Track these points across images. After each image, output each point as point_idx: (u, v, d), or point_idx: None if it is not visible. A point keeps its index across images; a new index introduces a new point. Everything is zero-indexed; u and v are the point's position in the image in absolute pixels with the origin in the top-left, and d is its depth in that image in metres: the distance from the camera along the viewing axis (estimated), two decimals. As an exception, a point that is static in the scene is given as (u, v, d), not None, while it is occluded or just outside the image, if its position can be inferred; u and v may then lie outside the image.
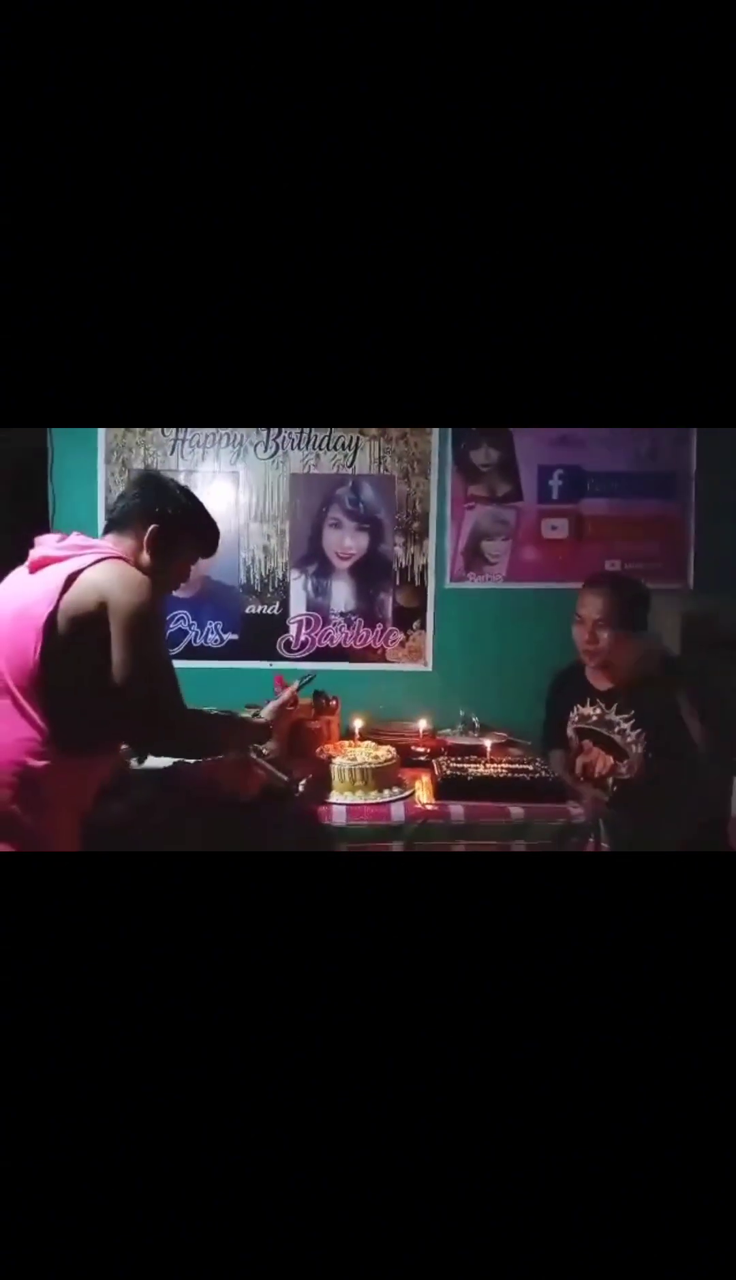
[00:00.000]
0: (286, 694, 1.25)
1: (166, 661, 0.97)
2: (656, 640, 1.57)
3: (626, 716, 1.49)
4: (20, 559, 1.01)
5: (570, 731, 1.59)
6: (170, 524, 1.02)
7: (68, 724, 0.90)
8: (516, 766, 1.39)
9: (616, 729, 1.50)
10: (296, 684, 1.31)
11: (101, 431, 1.92)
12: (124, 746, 1.51)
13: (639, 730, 1.47)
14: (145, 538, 1.00)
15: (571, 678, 1.61)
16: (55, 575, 0.91)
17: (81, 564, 0.92)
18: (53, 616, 0.88)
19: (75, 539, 1.00)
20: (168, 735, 0.97)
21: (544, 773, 1.35)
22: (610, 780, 1.47)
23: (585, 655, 1.53)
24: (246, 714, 1.70)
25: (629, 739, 1.48)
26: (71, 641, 0.88)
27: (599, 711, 1.54)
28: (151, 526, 1.00)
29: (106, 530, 1.04)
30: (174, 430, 1.93)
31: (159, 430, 1.93)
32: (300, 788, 1.27)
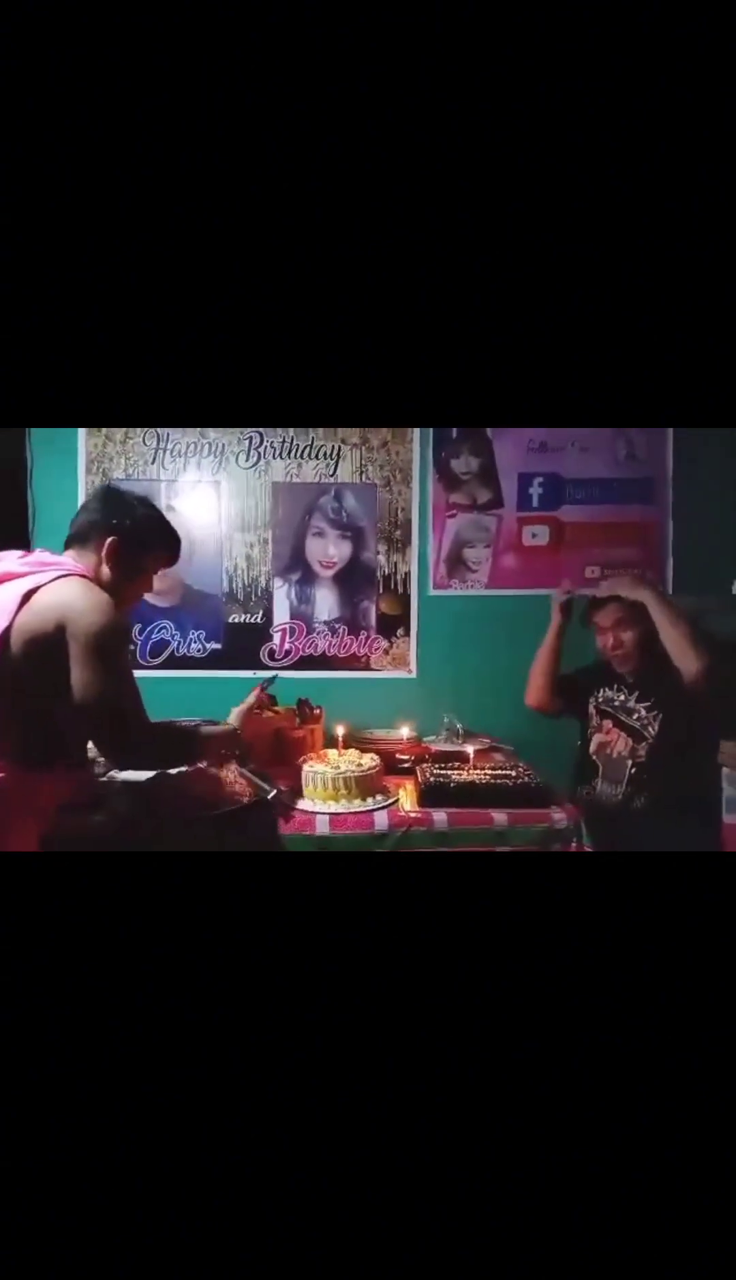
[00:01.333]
0: (251, 697, 1.24)
1: (127, 676, 0.97)
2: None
3: (647, 705, 1.50)
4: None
5: (592, 708, 1.59)
6: (129, 536, 1.02)
7: (23, 739, 0.89)
8: (499, 772, 1.39)
9: (634, 716, 1.51)
10: (259, 686, 1.29)
11: (82, 442, 1.92)
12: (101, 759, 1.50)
13: (655, 713, 1.48)
14: (103, 551, 1.00)
15: (599, 668, 1.61)
16: (12, 591, 0.91)
17: (40, 581, 0.92)
18: (6, 633, 0.87)
19: (38, 555, 1.00)
20: (133, 750, 0.96)
21: (527, 778, 1.36)
22: (629, 762, 1.48)
23: (615, 661, 1.53)
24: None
25: (644, 720, 1.49)
26: (26, 659, 0.88)
27: (622, 698, 1.55)
28: (108, 540, 1.00)
29: (67, 546, 1.04)
30: (155, 439, 1.93)
31: (140, 439, 1.93)
32: (286, 798, 1.27)
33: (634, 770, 1.46)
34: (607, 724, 1.56)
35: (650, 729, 1.48)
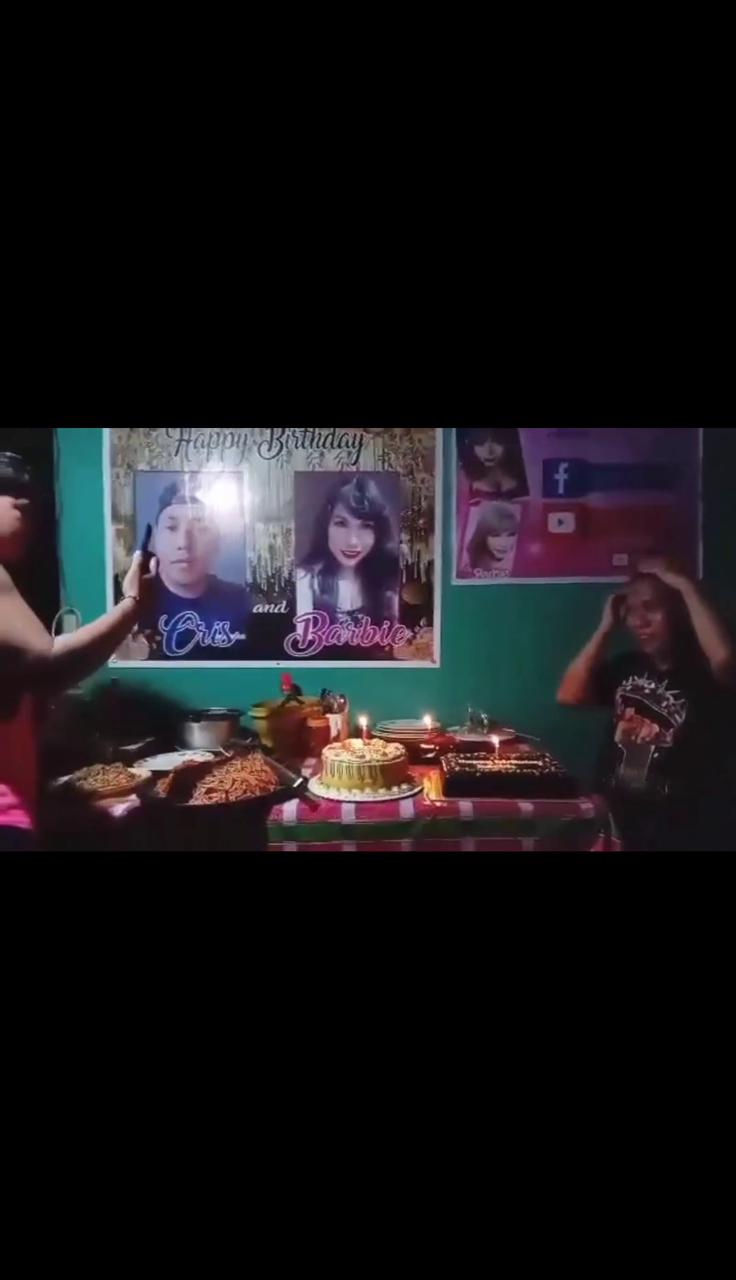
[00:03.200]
0: (135, 563, 1.16)
1: (14, 611, 0.95)
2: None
3: (675, 694, 1.49)
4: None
5: (618, 696, 1.59)
6: None
7: None
8: (525, 762, 1.38)
9: (663, 703, 1.50)
10: (139, 552, 1.18)
11: (106, 433, 1.93)
12: (133, 748, 1.52)
13: (682, 700, 1.47)
14: None
15: (634, 656, 1.60)
16: None
17: None
18: None
19: None
20: (53, 675, 0.96)
21: (554, 768, 1.35)
22: (653, 748, 1.47)
23: (642, 640, 1.53)
24: (254, 713, 1.72)
25: (672, 706, 1.49)
26: None
27: (652, 686, 1.53)
28: None
29: None
30: (178, 431, 1.94)
31: (163, 431, 1.94)
32: (310, 786, 1.28)
33: (657, 756, 1.45)
34: (630, 711, 1.55)
35: (677, 716, 1.47)
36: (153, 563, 1.17)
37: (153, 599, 1.17)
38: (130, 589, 1.14)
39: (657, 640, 1.51)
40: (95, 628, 1.03)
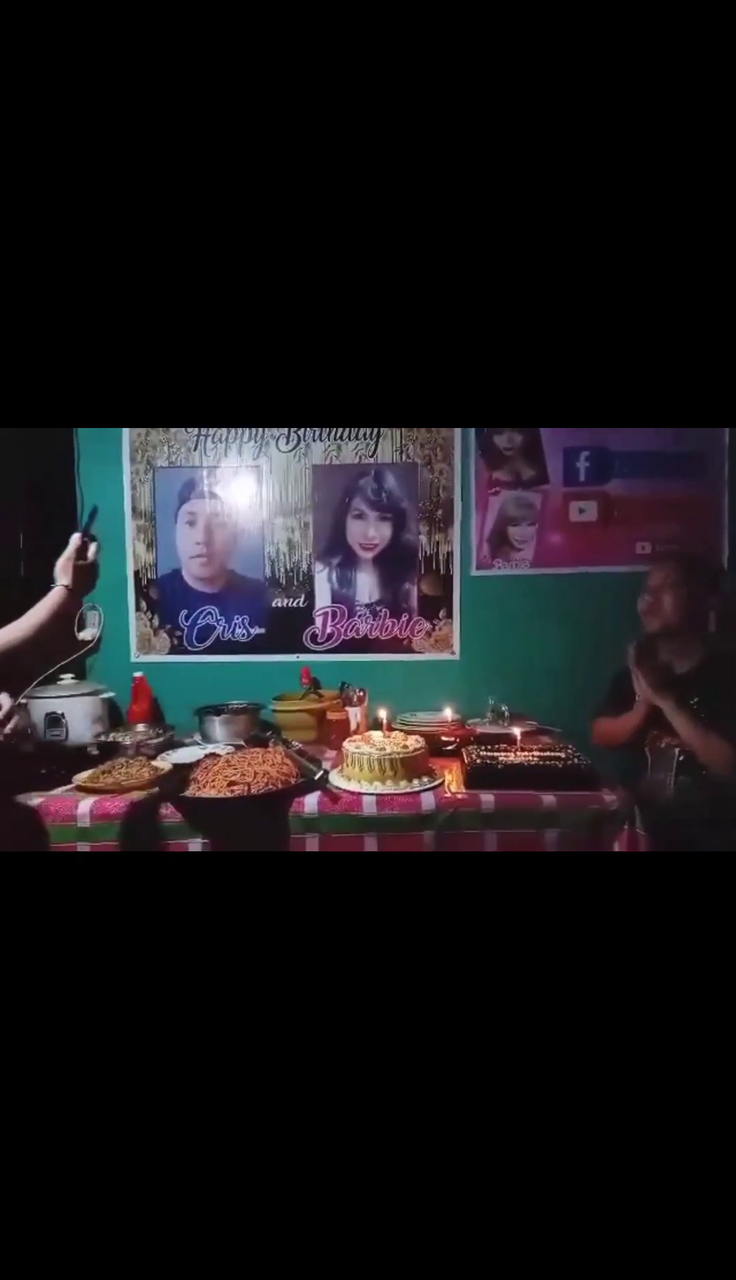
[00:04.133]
0: (71, 546, 1.05)
1: None
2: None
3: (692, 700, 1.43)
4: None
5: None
6: None
7: None
8: (548, 754, 1.37)
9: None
10: (76, 535, 1.06)
11: (125, 431, 1.95)
12: (147, 743, 1.54)
13: (697, 700, 1.41)
14: None
15: (649, 649, 1.52)
16: None
17: None
18: None
19: None
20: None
21: (577, 760, 1.33)
22: (677, 751, 1.43)
23: (646, 619, 1.48)
24: (275, 706, 1.73)
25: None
26: None
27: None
28: None
29: None
30: (197, 427, 1.94)
31: (182, 428, 1.95)
32: (331, 778, 1.28)
33: (682, 760, 1.41)
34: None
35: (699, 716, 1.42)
36: (91, 548, 1.06)
37: (86, 586, 1.05)
38: (62, 576, 1.02)
39: (662, 621, 1.46)
40: (23, 622, 0.96)
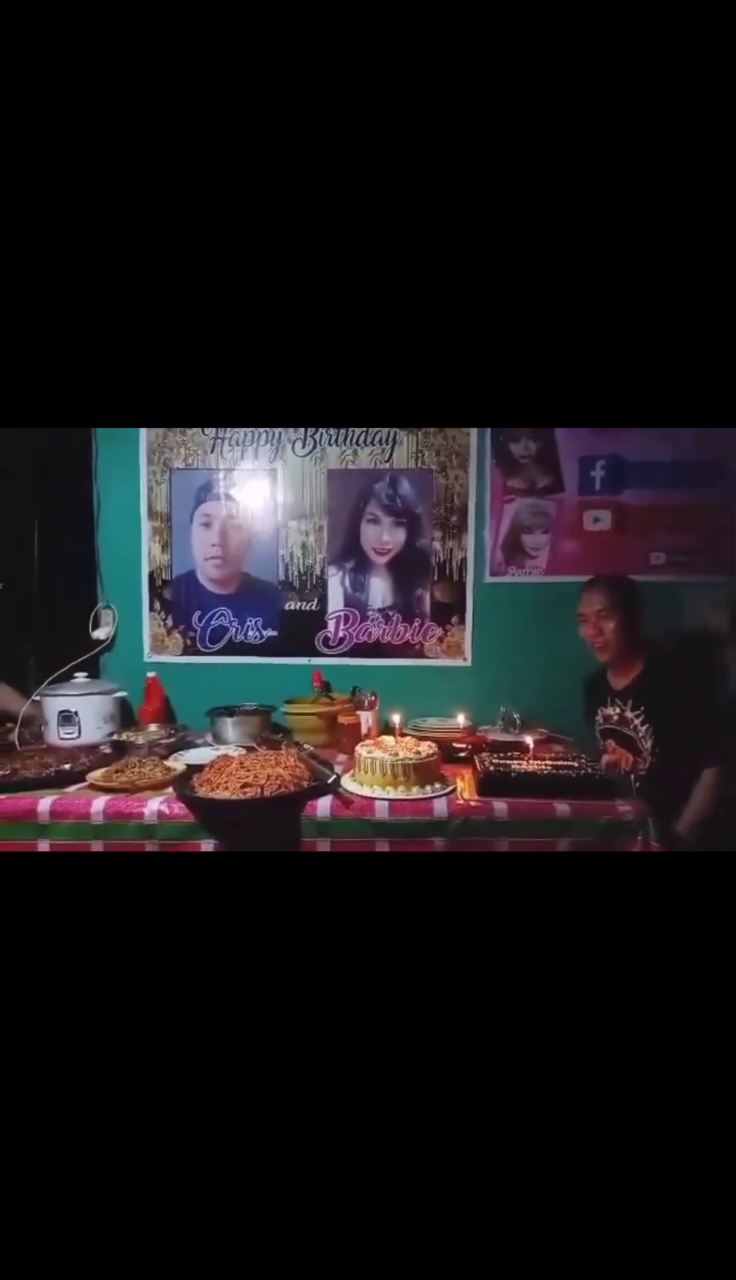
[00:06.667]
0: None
1: None
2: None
3: (636, 714, 1.55)
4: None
5: (597, 732, 1.64)
6: None
7: None
8: (561, 763, 1.36)
9: (630, 726, 1.56)
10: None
11: (142, 433, 1.96)
12: (162, 741, 1.54)
13: (648, 726, 1.53)
14: None
15: (596, 681, 1.67)
16: None
17: None
18: None
19: None
20: None
21: (590, 769, 1.32)
22: (632, 777, 1.46)
23: (596, 650, 1.59)
24: (286, 709, 1.73)
25: (640, 734, 1.54)
26: None
27: (618, 711, 1.60)
28: None
29: None
30: (214, 430, 1.96)
31: (199, 430, 1.96)
32: (343, 782, 1.28)
33: (638, 785, 1.44)
34: (611, 743, 1.60)
35: (645, 741, 1.52)
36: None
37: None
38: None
39: (610, 649, 1.56)
40: None
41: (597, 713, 1.65)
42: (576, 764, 1.35)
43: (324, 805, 1.23)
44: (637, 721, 1.55)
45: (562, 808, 1.20)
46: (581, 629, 1.60)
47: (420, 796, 1.25)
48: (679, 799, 1.44)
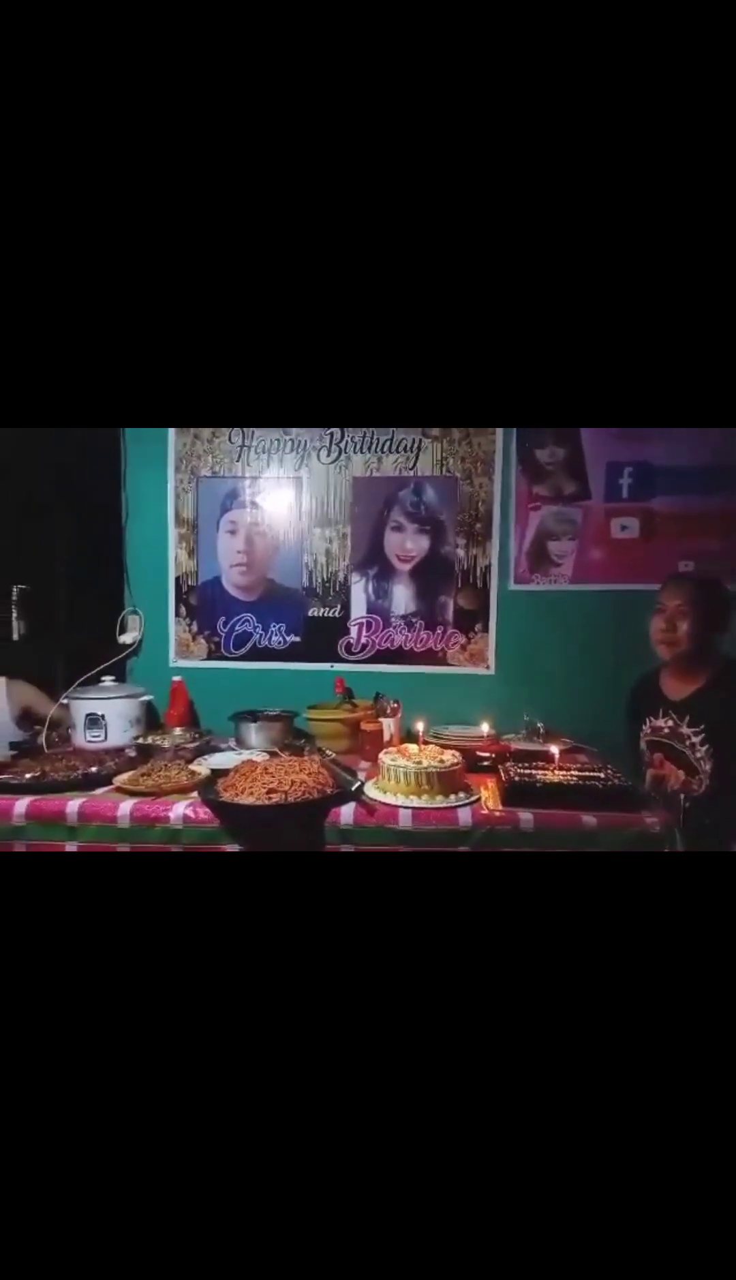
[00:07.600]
0: None
1: None
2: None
3: (696, 730, 1.44)
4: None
5: (643, 744, 1.55)
6: None
7: None
8: (588, 774, 1.34)
9: (686, 742, 1.46)
10: None
11: (170, 440, 1.99)
12: (185, 745, 1.55)
13: (708, 746, 1.43)
14: None
15: (647, 687, 1.57)
16: None
17: None
18: None
19: None
20: None
21: (617, 780, 1.30)
22: (683, 797, 1.41)
23: (660, 647, 1.49)
24: (309, 714, 1.73)
25: (698, 754, 1.44)
26: None
27: (671, 724, 1.50)
28: None
29: None
30: (240, 437, 1.98)
31: (226, 437, 1.98)
32: (367, 789, 1.28)
33: (688, 806, 1.38)
34: (659, 756, 1.50)
35: (704, 764, 1.42)
36: None
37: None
38: None
39: (677, 650, 1.45)
40: None
41: (645, 723, 1.55)
42: (603, 775, 1.33)
43: (347, 812, 1.22)
44: (695, 738, 1.45)
45: (589, 819, 1.19)
46: (652, 621, 1.49)
47: (444, 805, 1.24)
48: (732, 826, 1.35)
